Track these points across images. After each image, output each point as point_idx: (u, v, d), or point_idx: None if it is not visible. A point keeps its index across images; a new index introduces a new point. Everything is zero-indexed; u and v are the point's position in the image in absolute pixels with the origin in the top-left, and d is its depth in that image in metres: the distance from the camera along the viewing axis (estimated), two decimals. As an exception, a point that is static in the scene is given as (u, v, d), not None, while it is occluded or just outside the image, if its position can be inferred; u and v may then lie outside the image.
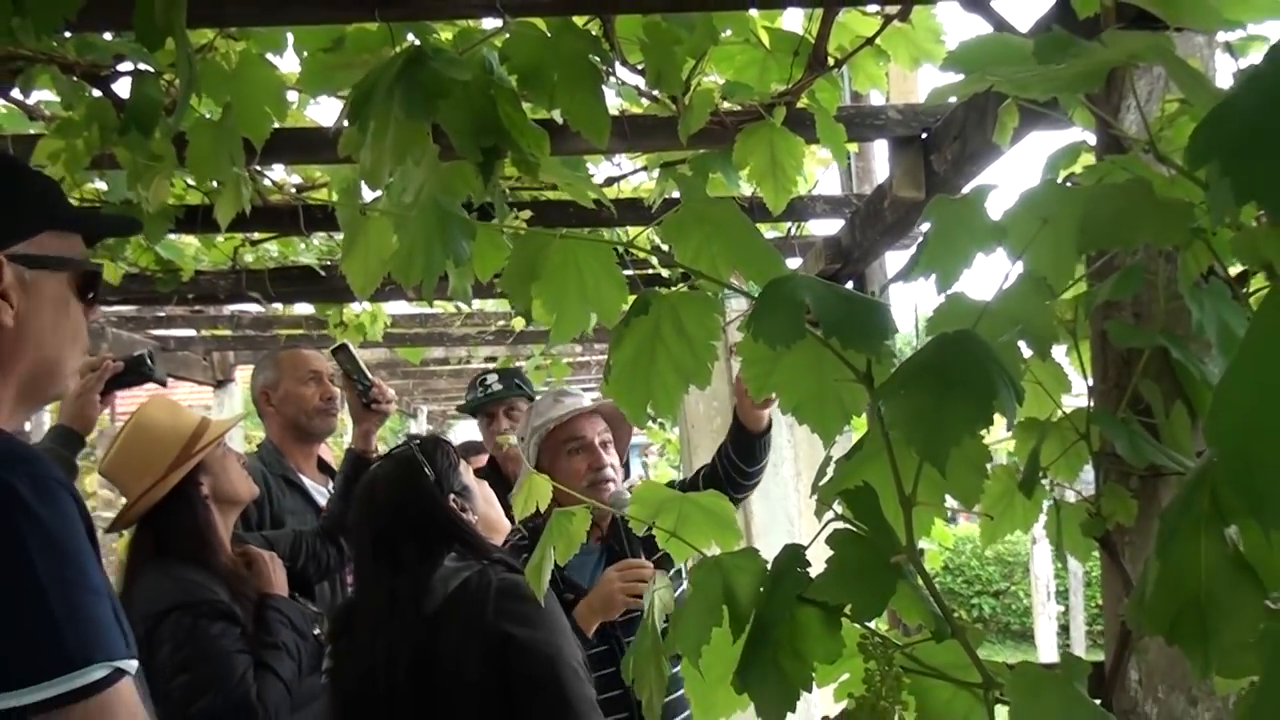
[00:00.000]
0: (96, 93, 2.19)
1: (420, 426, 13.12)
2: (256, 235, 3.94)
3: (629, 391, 0.90)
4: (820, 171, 3.47)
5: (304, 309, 5.71)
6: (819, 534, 0.89)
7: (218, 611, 2.37)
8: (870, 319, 0.79)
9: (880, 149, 3.26)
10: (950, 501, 0.93)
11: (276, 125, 2.00)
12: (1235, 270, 0.99)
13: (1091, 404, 1.08)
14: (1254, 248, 0.80)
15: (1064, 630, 10.63)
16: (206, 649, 2.31)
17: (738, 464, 2.62)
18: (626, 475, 2.77)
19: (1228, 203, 0.48)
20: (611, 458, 2.63)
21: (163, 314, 5.27)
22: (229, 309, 5.51)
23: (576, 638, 2.12)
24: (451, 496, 2.20)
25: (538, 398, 2.94)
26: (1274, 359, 0.54)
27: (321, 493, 3.27)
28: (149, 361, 2.79)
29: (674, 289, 0.88)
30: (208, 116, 2.04)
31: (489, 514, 2.37)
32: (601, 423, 2.66)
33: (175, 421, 2.57)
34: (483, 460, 3.74)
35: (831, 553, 0.82)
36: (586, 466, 2.59)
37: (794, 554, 0.86)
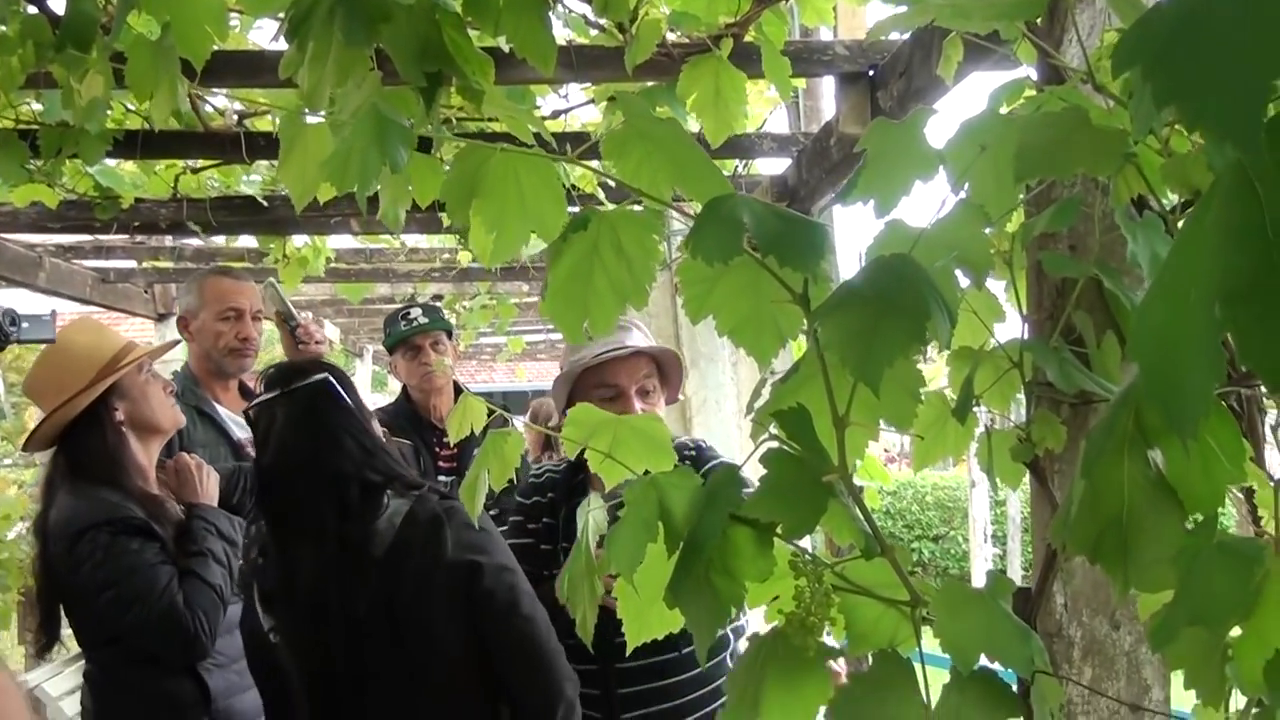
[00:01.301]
0: (32, 9, 2.13)
1: (367, 366, 13.02)
2: (198, 163, 3.87)
3: (565, 309, 0.89)
4: (768, 111, 3.47)
5: (247, 242, 5.64)
6: (752, 454, 0.90)
7: (133, 527, 2.37)
8: (807, 238, 0.79)
9: (828, 88, 3.26)
10: (887, 444, 0.94)
11: (217, 47, 1.96)
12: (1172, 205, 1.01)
13: (1025, 334, 1.10)
14: (1183, 174, 0.81)
15: (1001, 574, 10.81)
16: (127, 564, 2.32)
17: None
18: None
19: (1149, 110, 0.49)
20: (651, 405, 2.33)
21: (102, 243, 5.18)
22: (170, 241, 5.43)
23: None
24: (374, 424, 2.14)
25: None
26: (1192, 277, 0.56)
27: (240, 424, 3.12)
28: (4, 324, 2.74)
29: (614, 208, 0.88)
30: (146, 35, 1.99)
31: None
32: (645, 367, 2.33)
33: (96, 343, 2.53)
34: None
35: (765, 471, 0.83)
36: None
37: (728, 473, 0.87)
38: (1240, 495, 1.11)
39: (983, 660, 0.83)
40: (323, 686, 2.01)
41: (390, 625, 1.95)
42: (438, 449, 3.64)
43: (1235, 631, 0.87)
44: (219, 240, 5.63)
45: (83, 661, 2.65)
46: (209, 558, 2.41)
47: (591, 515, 0.99)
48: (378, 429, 2.16)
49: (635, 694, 2.27)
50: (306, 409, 2.06)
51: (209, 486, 2.61)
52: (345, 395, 2.10)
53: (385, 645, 1.96)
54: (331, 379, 2.10)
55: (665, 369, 2.38)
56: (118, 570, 2.32)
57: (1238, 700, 0.97)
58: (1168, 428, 0.57)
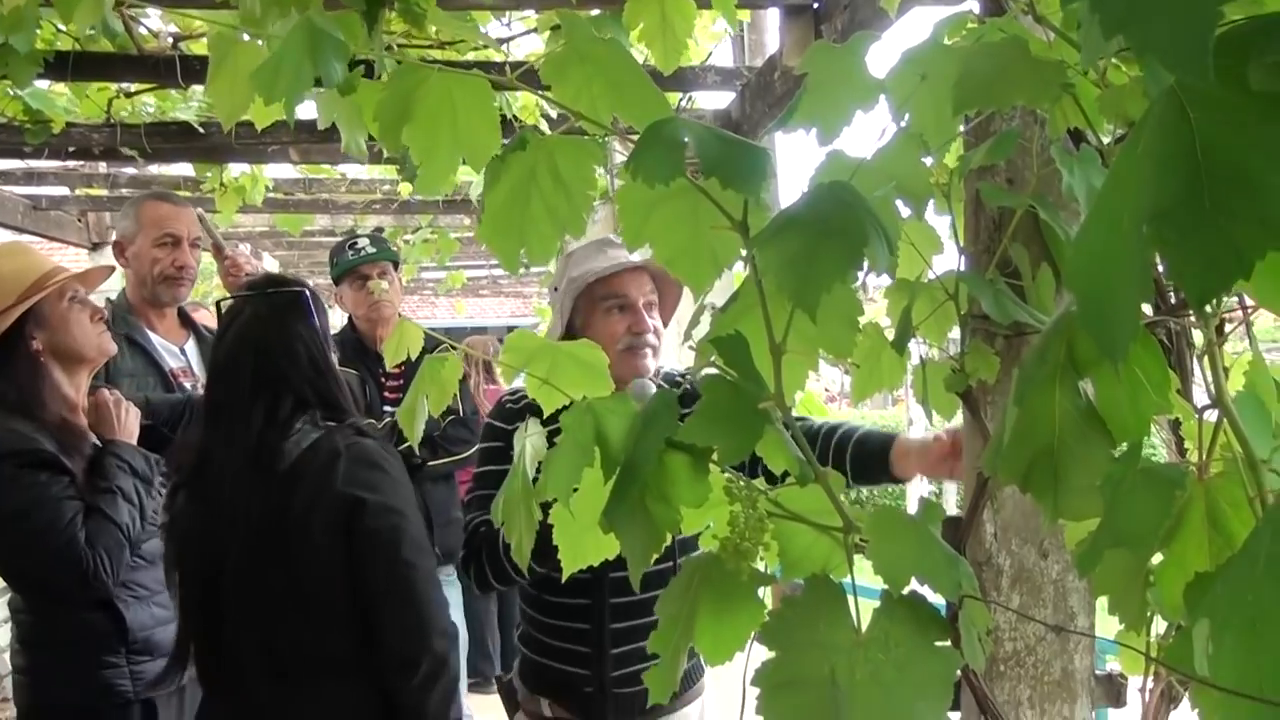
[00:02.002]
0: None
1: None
2: (132, 87, 3.78)
3: (502, 235, 0.88)
4: (713, 45, 3.44)
5: (183, 170, 5.53)
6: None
7: (41, 460, 2.31)
8: (749, 161, 0.79)
9: (773, 21, 3.24)
10: (828, 383, 0.95)
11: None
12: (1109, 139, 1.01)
13: (961, 266, 1.11)
14: (1120, 106, 0.82)
15: (932, 501, 11.01)
16: (31, 498, 2.27)
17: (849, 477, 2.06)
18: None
19: (1098, 42, 0.49)
20: (656, 321, 2.32)
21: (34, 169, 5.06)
22: (105, 168, 5.30)
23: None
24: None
25: (576, 247, 2.45)
26: (1125, 203, 0.56)
27: (174, 354, 3.07)
28: None
29: (553, 134, 0.87)
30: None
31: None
32: (649, 282, 2.31)
33: (19, 268, 2.45)
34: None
35: (702, 397, 0.83)
36: (626, 328, 2.26)
37: (664, 399, 0.87)
38: (1168, 427, 1.13)
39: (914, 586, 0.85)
40: (201, 588, 2.01)
41: (276, 543, 1.95)
42: (383, 379, 3.62)
43: (1157, 559, 0.89)
44: (154, 168, 5.52)
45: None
46: (118, 495, 2.36)
47: (529, 441, 0.98)
48: (335, 360, 2.16)
49: (627, 605, 2.26)
50: (275, 312, 2.09)
51: (128, 423, 2.55)
52: (315, 315, 2.12)
53: (267, 562, 1.96)
54: (308, 295, 2.12)
55: (662, 286, 2.35)
56: (22, 503, 2.26)
57: (1159, 627, 1.00)
58: (1099, 353, 0.58)
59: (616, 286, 2.27)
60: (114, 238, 3.19)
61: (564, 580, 1.05)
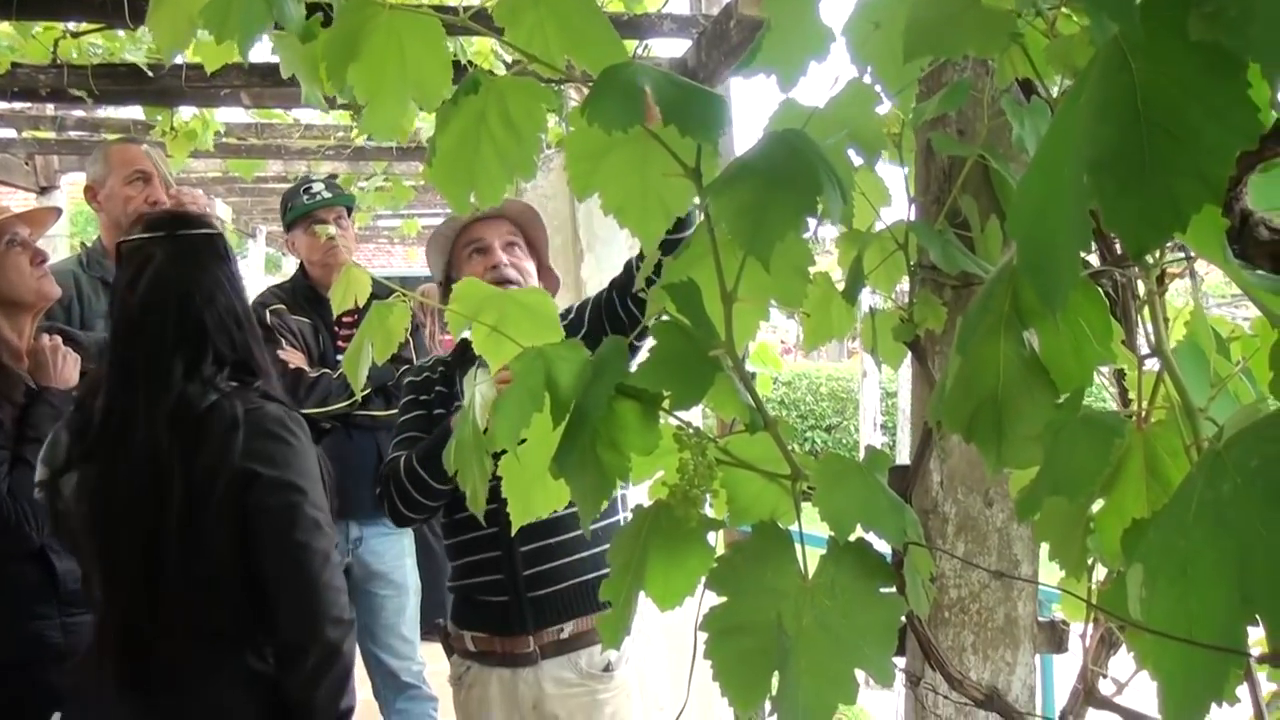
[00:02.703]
0: None
1: (259, 247, 12.67)
2: (78, 27, 3.69)
3: (451, 178, 0.87)
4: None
5: (133, 113, 5.43)
6: (640, 328, 0.90)
7: None
8: (708, 107, 0.78)
9: (731, -31, 3.23)
10: (783, 335, 0.95)
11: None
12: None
13: (911, 216, 1.11)
14: (1067, 57, 0.82)
15: (879, 450, 11.15)
16: None
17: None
18: (548, 278, 2.59)
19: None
20: (518, 259, 2.47)
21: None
22: (52, 109, 5.19)
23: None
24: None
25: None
26: (1066, 152, 0.57)
27: None
28: None
29: (504, 75, 0.86)
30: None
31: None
32: (506, 225, 2.50)
33: None
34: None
35: (653, 342, 0.83)
36: (484, 268, 2.42)
37: (615, 345, 0.88)
38: (1116, 380, 1.15)
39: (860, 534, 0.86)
40: (132, 566, 1.84)
41: (168, 497, 1.81)
42: (336, 329, 3.59)
43: (1097, 506, 0.91)
44: (103, 111, 5.41)
45: None
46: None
47: (479, 389, 0.98)
48: (250, 313, 2.02)
49: (536, 550, 2.35)
50: (190, 253, 1.94)
51: (65, 370, 2.49)
52: (232, 259, 2.01)
53: (184, 534, 1.82)
54: (223, 236, 2.00)
55: (529, 232, 2.54)
56: None
57: (1100, 574, 1.02)
58: (1040, 300, 0.58)
59: (474, 232, 2.47)
60: (87, 182, 3.18)
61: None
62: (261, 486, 1.82)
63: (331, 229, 3.49)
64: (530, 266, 2.50)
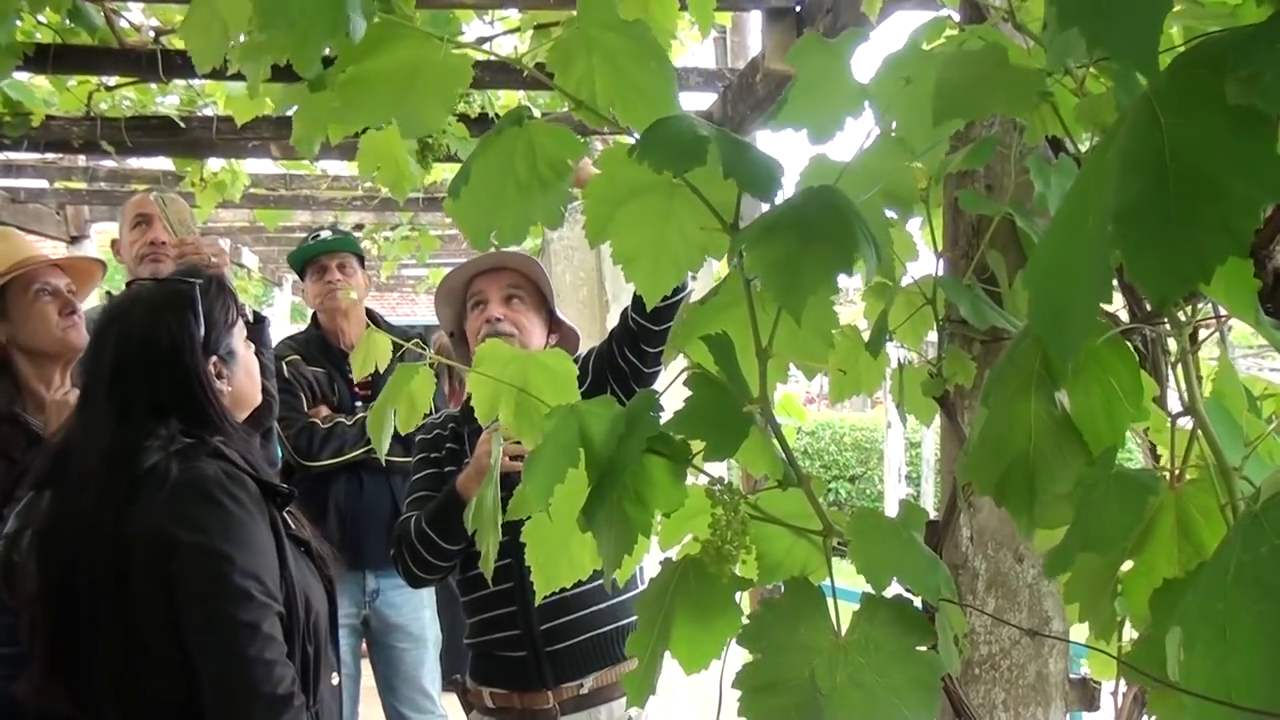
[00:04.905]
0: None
1: (286, 296, 12.72)
2: (112, 80, 3.76)
3: (471, 215, 0.86)
4: (696, 47, 3.45)
5: (162, 164, 5.51)
6: (672, 381, 0.90)
7: None
8: (766, 164, 0.79)
9: (755, 24, 3.26)
10: (806, 386, 0.95)
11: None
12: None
13: (939, 271, 1.12)
14: (1097, 115, 0.83)
15: (915, 504, 11.09)
16: None
17: (643, 320, 2.33)
18: (561, 329, 2.56)
19: (1062, 40, 0.49)
20: (518, 312, 2.42)
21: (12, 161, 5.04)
22: (83, 161, 5.28)
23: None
24: (214, 359, 1.89)
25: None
26: (1091, 204, 0.57)
27: None
28: None
29: (535, 119, 0.86)
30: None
31: (244, 387, 2.00)
32: (507, 277, 2.45)
33: None
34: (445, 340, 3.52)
35: (689, 393, 0.83)
36: (482, 321, 2.40)
37: (647, 399, 0.88)
38: (1144, 437, 1.14)
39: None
40: (56, 605, 1.73)
41: (117, 569, 1.71)
42: (350, 375, 3.59)
43: (1127, 566, 0.90)
44: (134, 162, 5.49)
45: None
46: None
47: (502, 448, 0.98)
48: (238, 356, 1.97)
49: (553, 604, 2.26)
50: (152, 299, 1.88)
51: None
52: (197, 313, 1.88)
53: (109, 588, 1.71)
54: (195, 290, 1.89)
55: (535, 282, 2.49)
56: None
57: (1130, 635, 1.01)
58: (1053, 353, 0.58)
59: (475, 286, 2.47)
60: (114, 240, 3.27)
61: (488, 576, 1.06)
62: (181, 553, 1.68)
63: (350, 288, 3.50)
64: (533, 319, 2.47)
